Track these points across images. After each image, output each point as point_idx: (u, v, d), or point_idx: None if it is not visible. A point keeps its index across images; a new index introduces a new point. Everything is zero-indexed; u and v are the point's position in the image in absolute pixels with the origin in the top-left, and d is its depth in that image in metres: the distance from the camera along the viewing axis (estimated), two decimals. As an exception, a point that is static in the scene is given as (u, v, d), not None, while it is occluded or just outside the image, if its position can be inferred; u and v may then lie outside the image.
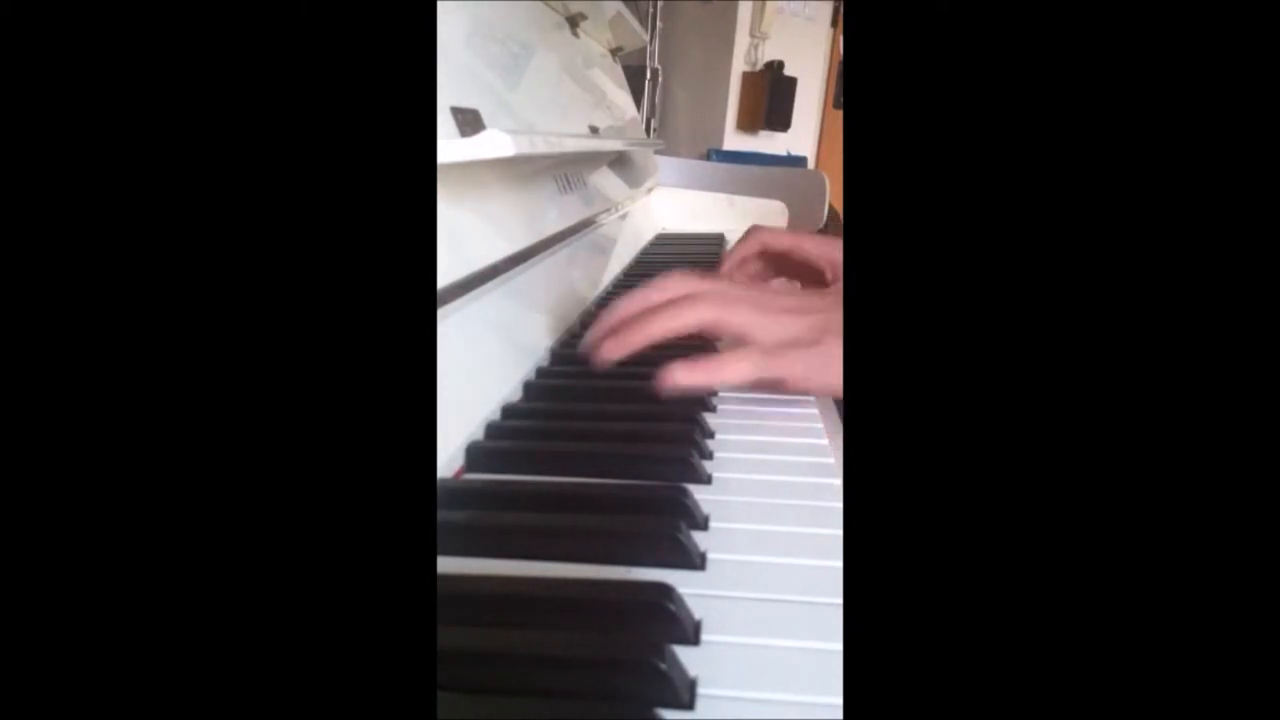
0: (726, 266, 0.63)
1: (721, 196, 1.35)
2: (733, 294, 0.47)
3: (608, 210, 0.89)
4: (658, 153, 1.36)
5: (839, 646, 0.25)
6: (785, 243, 0.62)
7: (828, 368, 0.45)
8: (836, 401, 0.51)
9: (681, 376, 0.43)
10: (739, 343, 0.46)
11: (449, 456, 0.38)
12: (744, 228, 0.67)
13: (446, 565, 0.29)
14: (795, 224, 1.30)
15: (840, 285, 0.60)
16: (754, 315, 0.46)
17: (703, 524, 0.33)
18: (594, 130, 0.90)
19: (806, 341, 0.45)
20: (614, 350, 0.45)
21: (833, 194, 1.31)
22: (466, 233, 0.47)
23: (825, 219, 1.31)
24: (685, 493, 0.34)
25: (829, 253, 0.60)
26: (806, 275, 0.61)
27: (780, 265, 0.64)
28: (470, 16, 0.57)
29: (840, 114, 3.13)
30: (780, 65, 2.98)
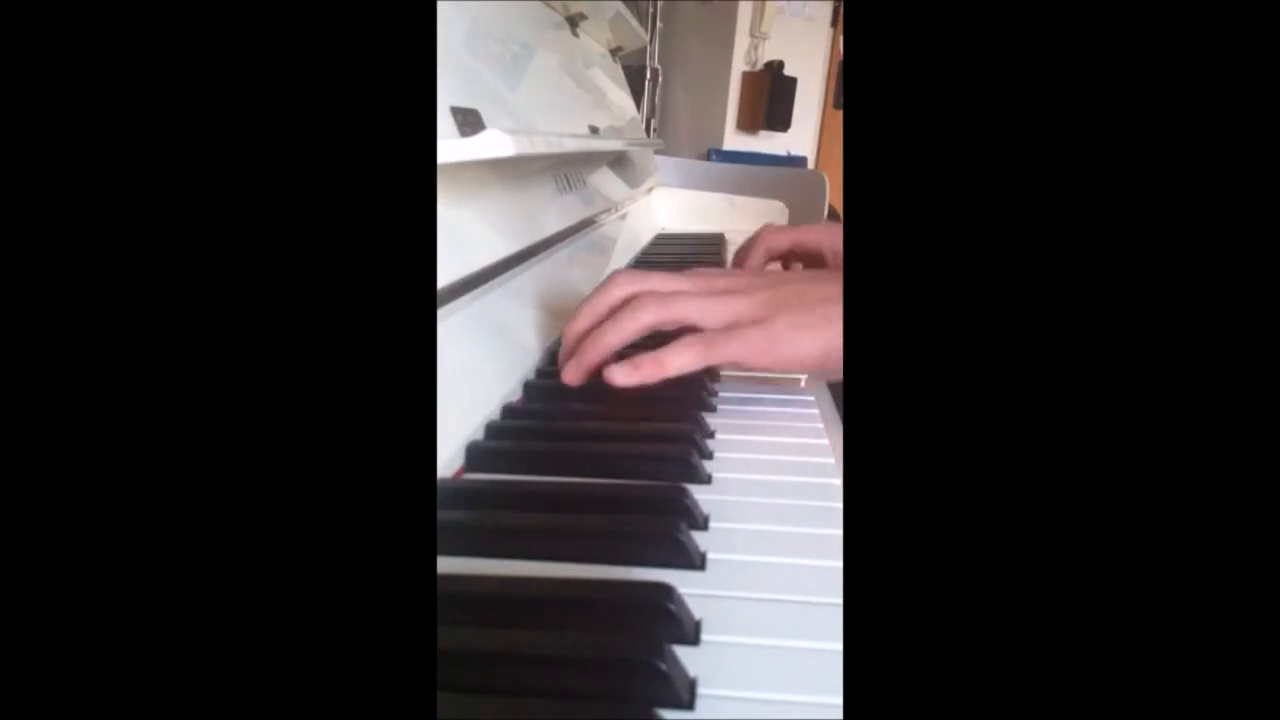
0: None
1: (721, 196, 1.35)
2: (671, 288, 0.47)
3: (608, 210, 0.89)
4: (658, 153, 1.36)
5: (839, 646, 0.25)
6: (786, 241, 0.64)
7: (777, 343, 0.44)
8: (836, 399, 0.51)
9: (621, 377, 0.43)
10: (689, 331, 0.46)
11: (449, 456, 0.38)
12: (744, 228, 0.69)
13: (446, 565, 0.29)
14: (796, 223, 1.30)
15: (820, 268, 0.63)
16: (696, 304, 0.46)
17: (703, 524, 0.33)
18: (594, 130, 0.90)
19: (751, 319, 0.45)
20: (575, 375, 0.46)
21: (833, 194, 1.31)
22: (466, 233, 0.47)
23: (825, 219, 1.31)
24: (685, 493, 0.34)
25: (827, 238, 0.63)
26: (813, 264, 0.64)
27: (790, 261, 0.67)
28: (470, 16, 0.57)
29: (840, 114, 3.12)
30: (780, 65, 2.98)
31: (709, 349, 0.44)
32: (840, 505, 0.35)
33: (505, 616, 0.26)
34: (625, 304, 0.46)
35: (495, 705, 0.23)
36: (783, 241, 0.64)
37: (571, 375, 0.46)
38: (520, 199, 0.60)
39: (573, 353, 0.46)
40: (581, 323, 0.47)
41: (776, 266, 0.69)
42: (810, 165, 3.28)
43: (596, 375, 0.45)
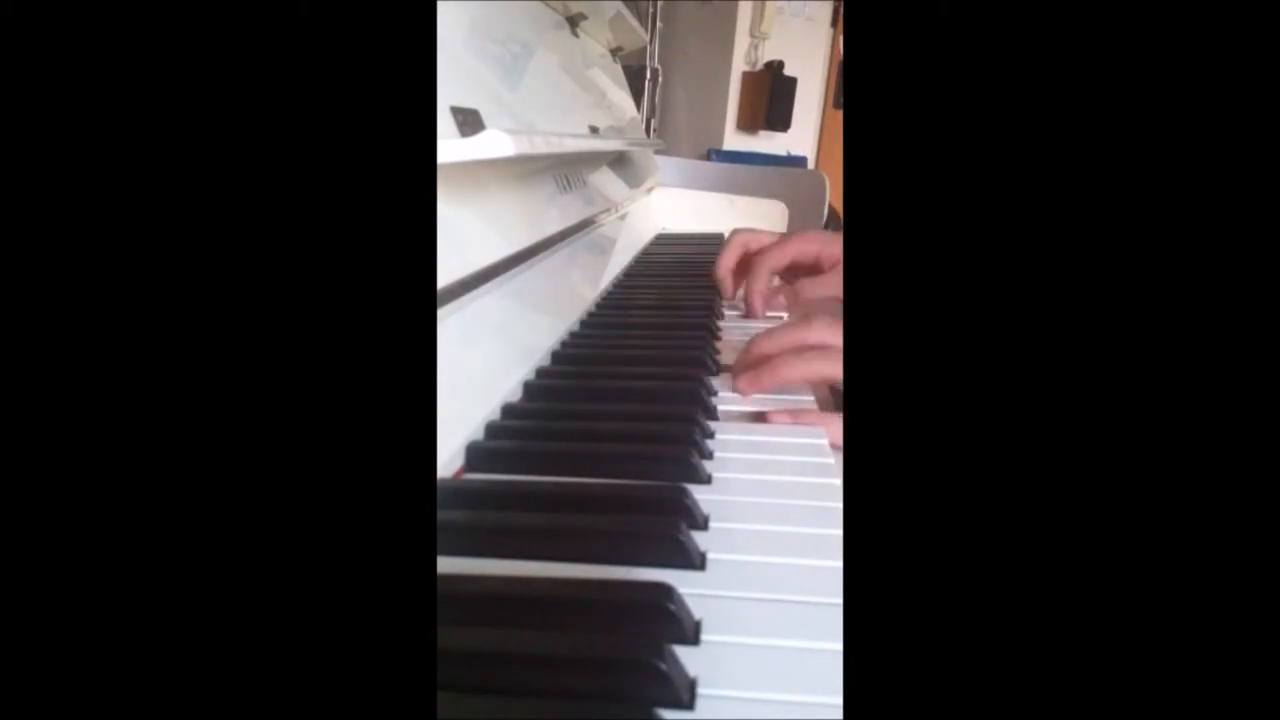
0: (721, 273, 0.68)
1: (721, 196, 1.35)
2: None
3: (608, 210, 0.88)
4: (658, 153, 1.36)
5: (839, 646, 0.25)
6: (764, 245, 0.67)
7: None
8: (836, 399, 0.51)
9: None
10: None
11: (449, 456, 0.38)
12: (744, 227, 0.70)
13: (446, 565, 0.29)
14: (795, 224, 1.30)
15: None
16: None
17: (703, 524, 0.33)
18: (594, 130, 0.90)
19: None
20: (750, 387, 0.49)
21: (833, 194, 1.31)
22: (466, 233, 0.47)
23: (825, 219, 1.31)
24: (685, 493, 0.34)
25: (821, 248, 0.64)
26: (795, 271, 0.65)
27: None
28: (470, 16, 0.57)
29: (840, 114, 3.12)
30: (780, 65, 2.98)
31: None
32: (840, 505, 0.35)
33: (505, 616, 0.26)
34: (819, 348, 0.47)
35: (495, 705, 0.23)
36: (760, 244, 0.67)
37: (745, 387, 0.49)
38: (520, 199, 0.60)
39: (753, 366, 0.49)
40: (770, 345, 0.49)
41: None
42: (810, 165, 3.28)
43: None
